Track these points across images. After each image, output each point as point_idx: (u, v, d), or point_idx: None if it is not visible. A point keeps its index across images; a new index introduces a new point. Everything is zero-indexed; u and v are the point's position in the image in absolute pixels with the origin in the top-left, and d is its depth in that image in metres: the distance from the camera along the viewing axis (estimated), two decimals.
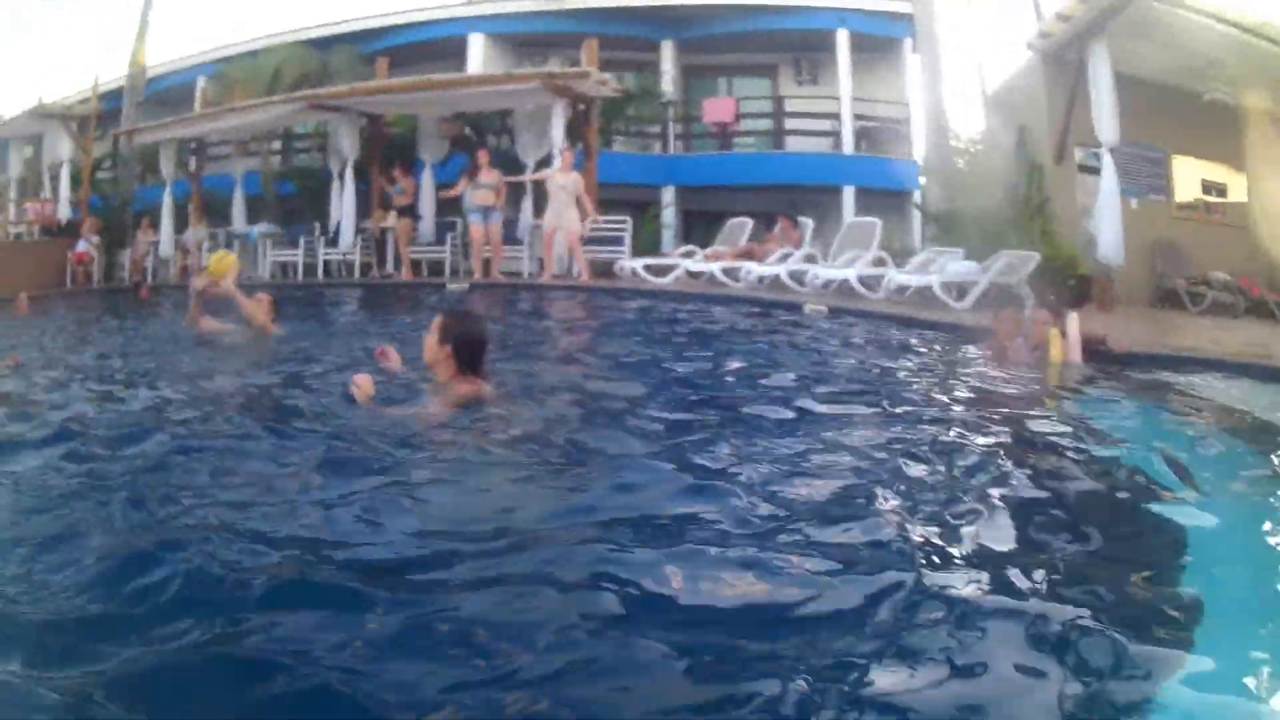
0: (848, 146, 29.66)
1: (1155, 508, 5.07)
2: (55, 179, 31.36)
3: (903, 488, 5.23)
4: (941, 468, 5.76)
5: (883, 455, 5.99)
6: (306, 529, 4.58)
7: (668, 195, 29.89)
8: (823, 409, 7.57)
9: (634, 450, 6.12)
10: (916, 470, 5.63)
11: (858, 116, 30.09)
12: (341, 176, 25.66)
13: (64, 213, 30.56)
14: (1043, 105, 20.57)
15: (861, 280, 17.58)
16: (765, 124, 32.39)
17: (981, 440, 6.62)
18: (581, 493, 5.28)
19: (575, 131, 23.78)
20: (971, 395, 9.23)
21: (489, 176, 22.44)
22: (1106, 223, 17.90)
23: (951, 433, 6.95)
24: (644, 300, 18.09)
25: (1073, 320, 11.23)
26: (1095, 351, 11.19)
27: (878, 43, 29.25)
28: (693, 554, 4.12)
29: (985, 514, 4.81)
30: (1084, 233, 18.99)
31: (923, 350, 12.42)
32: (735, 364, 10.45)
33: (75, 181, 31.15)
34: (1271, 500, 5.64)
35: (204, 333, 12.32)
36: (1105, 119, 17.66)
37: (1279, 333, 16.14)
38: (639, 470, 5.56)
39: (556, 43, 29.42)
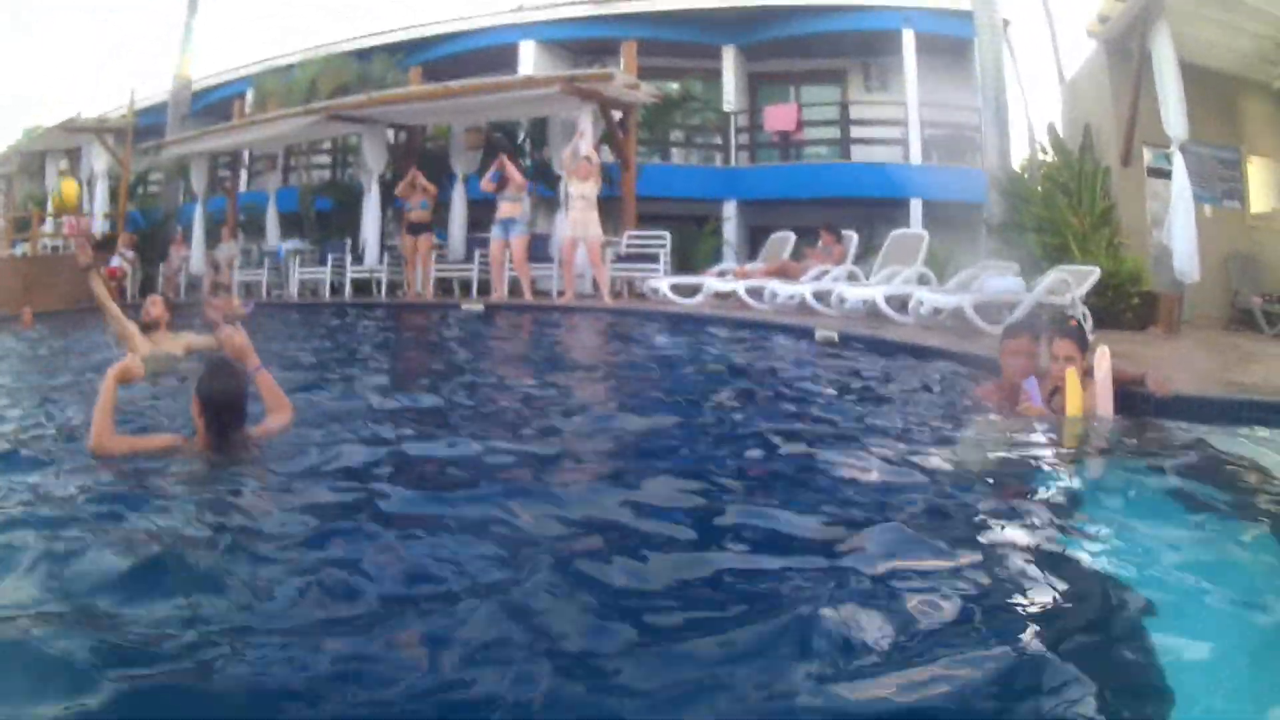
0: (915, 155, 27.24)
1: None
2: (92, 193, 30.56)
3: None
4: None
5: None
6: None
7: (729, 209, 27.91)
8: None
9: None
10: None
11: (927, 123, 27.71)
12: (369, 191, 24.15)
13: (98, 227, 29.62)
14: (1108, 101, 18.36)
15: (890, 301, 15.15)
16: (832, 132, 30.01)
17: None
18: None
19: (612, 141, 22.07)
20: (932, 480, 6.16)
21: (510, 187, 20.55)
22: (1180, 231, 15.50)
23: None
24: (653, 324, 16.30)
25: (1102, 357, 7.89)
26: (1131, 396, 7.99)
27: (947, 44, 26.56)
28: None
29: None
30: (1154, 244, 16.89)
31: (909, 392, 9.72)
32: (686, 410, 8.81)
33: (115, 195, 30.37)
34: None
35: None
36: (1172, 110, 15.39)
37: None
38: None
39: (611, 49, 27.28)
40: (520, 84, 21.54)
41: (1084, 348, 8.05)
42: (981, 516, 5.40)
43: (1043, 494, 6.04)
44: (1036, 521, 5.25)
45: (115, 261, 27.20)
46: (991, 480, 6.28)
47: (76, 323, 20.05)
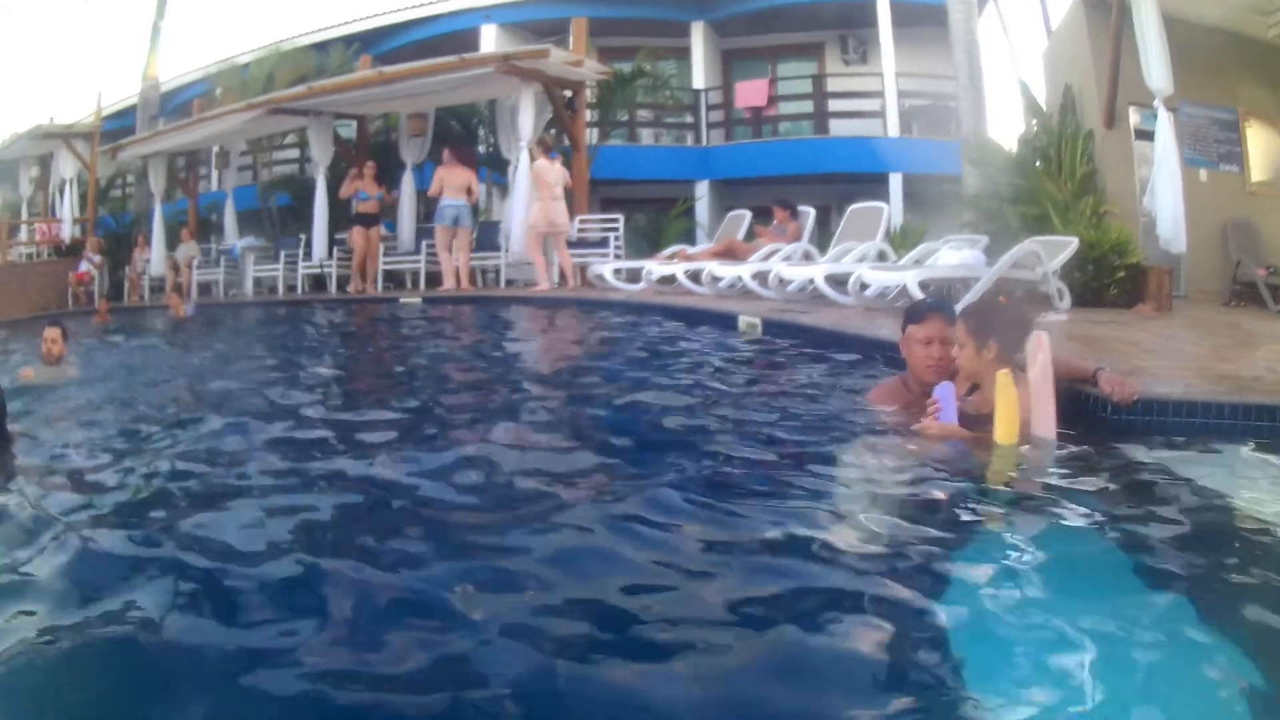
0: (893, 128, 24.65)
1: None
2: (61, 198, 29.07)
3: None
4: None
5: None
6: None
7: (701, 189, 25.58)
8: None
9: None
10: None
11: (906, 95, 25.17)
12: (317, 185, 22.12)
13: (67, 232, 28.20)
14: (1088, 58, 15.87)
15: (834, 280, 12.45)
16: (808, 107, 27.40)
17: None
18: None
19: (561, 122, 19.85)
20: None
21: (459, 177, 18.55)
22: (1164, 195, 12.91)
23: None
24: (581, 314, 14.57)
25: (1038, 346, 5.11)
26: (1080, 402, 5.54)
27: (926, 11, 23.42)
28: None
29: None
30: (1143, 212, 14.17)
31: (795, 397, 7.03)
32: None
33: (84, 200, 28.74)
34: None
35: None
36: (1154, 62, 12.85)
37: None
38: None
39: None
40: (455, 65, 18.95)
41: (986, 330, 5.39)
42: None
43: (920, 590, 3.32)
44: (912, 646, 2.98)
45: (83, 266, 25.95)
46: (849, 561, 3.60)
47: (19, 330, 19.19)
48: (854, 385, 7.15)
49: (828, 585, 3.39)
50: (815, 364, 8.52)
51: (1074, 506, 4.11)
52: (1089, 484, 4.50)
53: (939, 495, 4.47)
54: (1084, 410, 5.50)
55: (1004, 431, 4.93)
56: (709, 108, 27.37)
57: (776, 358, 9.23)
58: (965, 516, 4.18)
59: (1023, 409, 4.99)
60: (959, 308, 6.00)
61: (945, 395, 5.23)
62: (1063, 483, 4.51)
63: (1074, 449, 4.99)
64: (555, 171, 17.33)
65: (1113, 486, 4.50)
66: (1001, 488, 4.73)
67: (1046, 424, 5.02)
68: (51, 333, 10.33)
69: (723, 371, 8.60)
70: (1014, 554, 3.70)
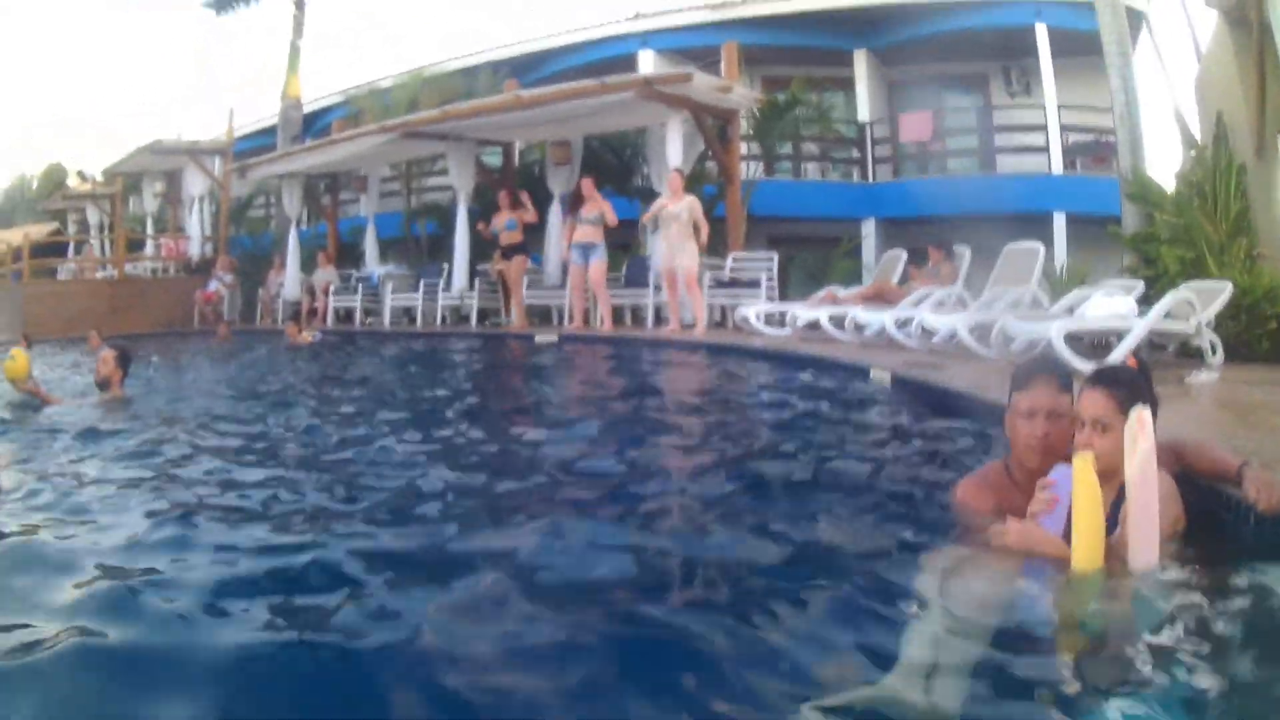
0: (1056, 165, 24.66)
1: None
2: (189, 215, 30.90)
3: None
4: None
5: None
6: None
7: (868, 227, 25.88)
8: None
9: None
10: None
11: (1069, 129, 25.22)
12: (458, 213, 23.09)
13: (196, 250, 30.03)
14: (1236, 83, 15.19)
15: (976, 331, 12.46)
16: (971, 142, 27.78)
17: None
18: None
19: (713, 152, 20.64)
20: None
21: (592, 209, 19.21)
22: None
23: None
24: (707, 361, 14.93)
25: (1139, 429, 3.85)
26: (1220, 506, 4.43)
27: (1085, 40, 23.10)
28: None
29: None
30: None
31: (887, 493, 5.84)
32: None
33: (217, 219, 30.68)
34: None
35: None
36: None
37: None
38: None
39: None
40: (596, 90, 19.44)
41: (1137, 403, 4.04)
42: None
43: None
44: None
45: (212, 285, 27.39)
46: None
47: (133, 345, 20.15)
48: (944, 473, 5.96)
49: None
50: (923, 435, 7.70)
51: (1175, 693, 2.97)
52: (1201, 644, 3.33)
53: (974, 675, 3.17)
54: (1219, 519, 4.41)
55: (1083, 552, 3.80)
56: (874, 142, 27.60)
57: (880, 425, 8.51)
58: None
59: (1121, 527, 3.95)
60: (1091, 372, 4.66)
61: (1064, 481, 4.06)
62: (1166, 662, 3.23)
63: (1191, 581, 3.85)
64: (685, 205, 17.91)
65: (1239, 656, 3.31)
66: (1067, 660, 3.46)
67: (1144, 550, 3.82)
68: (105, 354, 11.04)
69: (797, 441, 7.76)
70: None
